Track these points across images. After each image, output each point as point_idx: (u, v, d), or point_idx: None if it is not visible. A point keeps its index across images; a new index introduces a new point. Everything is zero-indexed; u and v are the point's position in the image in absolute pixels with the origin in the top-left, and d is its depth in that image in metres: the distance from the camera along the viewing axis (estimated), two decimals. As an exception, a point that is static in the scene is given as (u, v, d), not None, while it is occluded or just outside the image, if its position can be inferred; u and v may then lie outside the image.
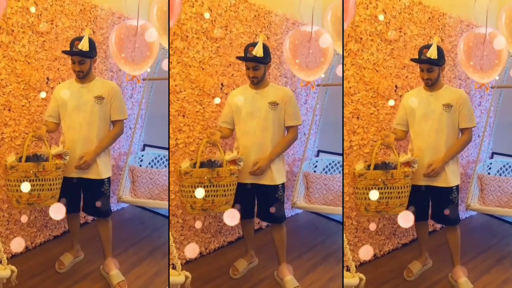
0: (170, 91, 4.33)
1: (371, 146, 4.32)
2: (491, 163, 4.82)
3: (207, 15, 4.37)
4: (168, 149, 4.33)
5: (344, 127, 4.31)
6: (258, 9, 4.50)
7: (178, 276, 4.19)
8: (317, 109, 4.70)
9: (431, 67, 4.01)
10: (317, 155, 4.86)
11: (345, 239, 4.30)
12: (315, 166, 4.82)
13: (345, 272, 4.22)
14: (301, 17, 4.51)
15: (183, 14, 4.34)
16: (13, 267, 4.12)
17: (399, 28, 4.39)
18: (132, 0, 4.43)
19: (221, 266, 4.38)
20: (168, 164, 4.36)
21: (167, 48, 4.32)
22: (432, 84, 4.05)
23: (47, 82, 4.38)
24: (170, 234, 4.30)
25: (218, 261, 4.44)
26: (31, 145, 4.11)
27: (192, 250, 4.41)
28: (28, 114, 4.34)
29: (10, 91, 4.29)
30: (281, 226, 4.22)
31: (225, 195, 4.01)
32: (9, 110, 4.30)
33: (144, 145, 4.87)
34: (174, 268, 4.25)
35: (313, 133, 4.74)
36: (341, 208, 4.30)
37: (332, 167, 4.81)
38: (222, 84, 4.43)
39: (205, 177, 3.96)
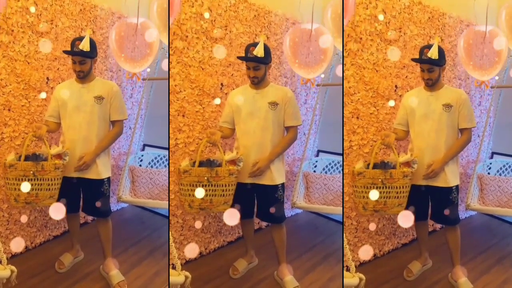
0: (170, 91, 4.32)
1: (371, 146, 4.32)
2: (491, 163, 4.82)
3: (207, 15, 4.37)
4: (168, 149, 4.33)
5: (344, 127, 4.31)
6: (258, 9, 4.50)
7: (178, 276, 4.19)
8: (317, 109, 4.70)
9: (432, 67, 4.01)
10: (317, 155, 4.86)
11: (345, 239, 4.29)
12: (315, 166, 4.81)
13: (345, 272, 4.22)
14: (301, 17, 4.51)
15: (183, 14, 4.34)
16: (13, 267, 4.12)
17: (399, 28, 4.38)
18: (132, 0, 4.43)
19: (221, 266, 4.38)
20: (168, 164, 4.36)
21: (167, 45, 4.32)
22: (432, 84, 4.05)
23: (47, 82, 4.38)
24: (170, 234, 4.30)
25: (218, 261, 4.43)
26: (31, 144, 4.11)
27: (192, 250, 4.40)
28: (28, 114, 4.34)
29: (10, 91, 4.29)
30: (281, 226, 4.22)
31: (224, 195, 4.01)
32: (9, 110, 4.30)
33: (144, 145, 4.87)
34: (174, 268, 4.25)
35: (313, 133, 4.74)
36: (341, 208, 4.30)
37: (332, 167, 4.81)
38: (222, 84, 4.43)
39: (204, 176, 3.96)
